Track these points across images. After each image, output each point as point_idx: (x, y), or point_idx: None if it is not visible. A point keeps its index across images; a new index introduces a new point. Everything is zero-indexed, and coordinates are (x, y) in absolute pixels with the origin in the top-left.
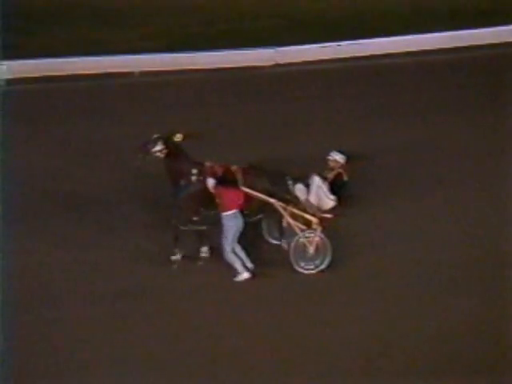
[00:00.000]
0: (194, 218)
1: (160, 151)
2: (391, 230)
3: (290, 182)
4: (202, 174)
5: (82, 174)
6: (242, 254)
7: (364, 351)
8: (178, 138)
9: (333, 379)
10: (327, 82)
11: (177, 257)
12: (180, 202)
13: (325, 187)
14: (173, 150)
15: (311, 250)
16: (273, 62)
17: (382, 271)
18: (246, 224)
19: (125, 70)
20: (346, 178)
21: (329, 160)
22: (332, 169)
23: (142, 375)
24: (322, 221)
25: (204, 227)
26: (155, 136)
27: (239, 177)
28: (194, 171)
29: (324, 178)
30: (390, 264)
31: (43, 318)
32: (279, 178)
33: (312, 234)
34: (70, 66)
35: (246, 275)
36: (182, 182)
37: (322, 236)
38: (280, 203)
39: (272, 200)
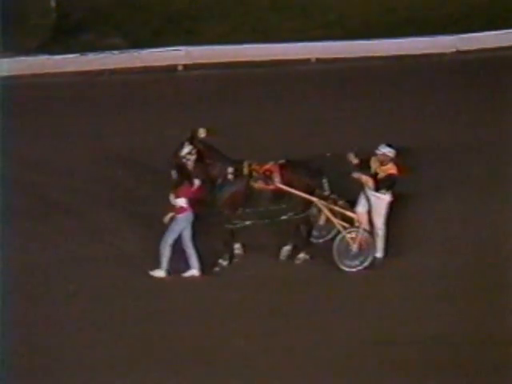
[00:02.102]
0: (238, 216)
1: (190, 153)
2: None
3: (324, 181)
4: (240, 173)
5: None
6: (192, 251)
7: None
8: (202, 133)
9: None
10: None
11: (225, 262)
12: (219, 202)
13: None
14: (204, 151)
15: (354, 247)
16: (454, 49)
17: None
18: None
19: (301, 57)
20: (395, 173)
21: (377, 154)
22: (381, 163)
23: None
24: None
25: (249, 222)
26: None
27: (275, 174)
28: (230, 170)
29: (375, 175)
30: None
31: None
32: (317, 175)
33: (355, 232)
34: (249, 52)
35: (161, 273)
36: (219, 182)
37: (365, 233)
38: (321, 201)
39: (313, 198)
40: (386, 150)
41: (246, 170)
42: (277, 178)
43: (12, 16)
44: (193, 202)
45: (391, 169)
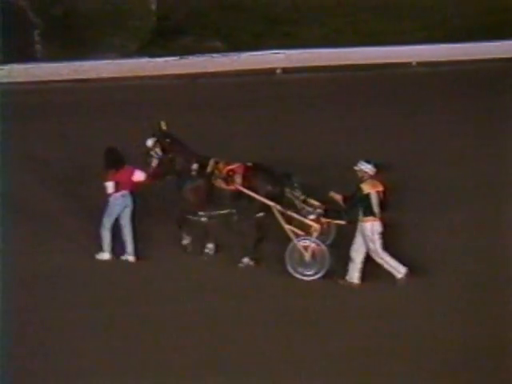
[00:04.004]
0: (200, 213)
1: (154, 146)
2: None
3: (295, 184)
4: (205, 169)
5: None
6: (129, 237)
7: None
8: (163, 126)
9: None
10: None
11: (187, 241)
12: (183, 196)
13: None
14: (166, 144)
15: (307, 256)
16: None
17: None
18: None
19: (402, 60)
20: (366, 190)
21: (357, 171)
22: (361, 179)
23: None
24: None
25: (205, 219)
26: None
27: (238, 175)
28: (195, 166)
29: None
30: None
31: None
32: (285, 179)
33: (307, 241)
34: (349, 55)
35: (106, 256)
36: (183, 176)
37: (319, 242)
38: (278, 207)
39: (270, 203)
40: (363, 167)
41: (209, 168)
42: (238, 179)
43: (112, 18)
44: (126, 184)
45: (365, 185)
